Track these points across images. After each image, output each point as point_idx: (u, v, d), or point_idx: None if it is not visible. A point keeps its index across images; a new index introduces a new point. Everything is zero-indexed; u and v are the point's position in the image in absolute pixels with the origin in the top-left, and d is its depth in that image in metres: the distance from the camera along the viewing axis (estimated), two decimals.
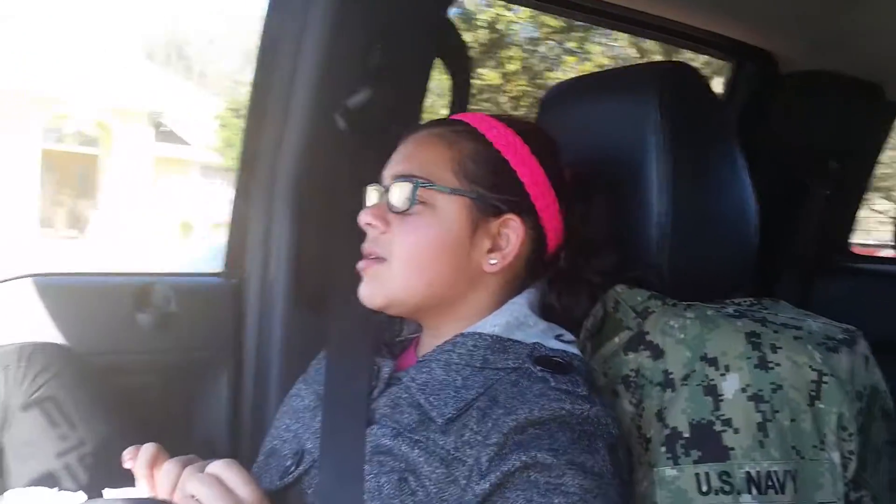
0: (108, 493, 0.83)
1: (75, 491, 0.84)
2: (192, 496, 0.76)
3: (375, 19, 1.25)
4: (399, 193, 0.88)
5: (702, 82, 1.06)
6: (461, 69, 1.47)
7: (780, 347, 0.83)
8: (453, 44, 1.44)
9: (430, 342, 0.93)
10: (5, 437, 1.05)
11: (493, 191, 0.89)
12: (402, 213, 0.88)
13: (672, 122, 0.97)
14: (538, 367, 0.82)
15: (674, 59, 1.27)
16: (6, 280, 1.22)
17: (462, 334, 0.89)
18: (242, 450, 1.31)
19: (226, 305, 1.35)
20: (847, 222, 2.08)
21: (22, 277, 1.23)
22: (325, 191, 1.31)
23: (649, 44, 5.93)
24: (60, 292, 1.25)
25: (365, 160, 1.08)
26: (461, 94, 1.46)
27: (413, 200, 0.87)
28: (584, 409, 0.78)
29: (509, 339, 0.87)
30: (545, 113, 1.19)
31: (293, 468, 0.88)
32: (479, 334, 0.88)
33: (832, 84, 1.81)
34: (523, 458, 0.74)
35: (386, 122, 1.26)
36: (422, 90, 1.39)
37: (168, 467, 0.81)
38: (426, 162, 0.90)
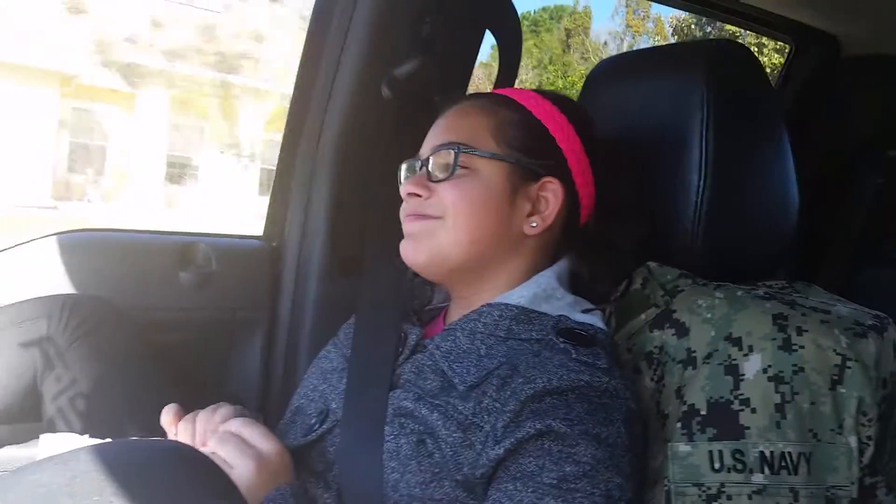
0: None
1: (103, 438, 0.87)
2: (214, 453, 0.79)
3: None
4: (440, 161, 0.90)
5: (752, 61, 1.03)
6: (511, 43, 1.45)
7: (806, 330, 0.82)
8: (505, 17, 1.43)
9: (458, 311, 0.94)
10: (44, 385, 1.10)
11: (532, 155, 0.90)
12: (445, 179, 0.89)
13: (718, 101, 0.96)
14: (561, 339, 0.82)
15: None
16: (59, 233, 1.26)
17: (489, 304, 0.89)
18: (271, 406, 1.35)
19: (264, 268, 1.38)
20: None
21: (72, 232, 1.28)
22: (366, 160, 1.32)
23: None
24: (108, 248, 1.29)
25: (407, 131, 1.08)
26: (509, 69, 1.45)
27: (455, 166, 0.89)
28: (603, 381, 0.78)
29: (535, 311, 0.87)
30: (591, 89, 1.18)
31: (317, 426, 0.90)
32: (506, 305, 0.88)
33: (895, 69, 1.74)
34: (538, 425, 0.75)
35: (431, 93, 1.26)
36: (469, 63, 1.39)
37: (183, 426, 0.86)
38: (467, 129, 0.92)
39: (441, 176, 0.89)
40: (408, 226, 0.93)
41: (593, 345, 0.83)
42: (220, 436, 0.82)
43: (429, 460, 0.79)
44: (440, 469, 0.78)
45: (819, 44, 1.82)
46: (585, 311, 0.89)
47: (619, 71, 1.19)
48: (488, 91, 1.02)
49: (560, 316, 0.87)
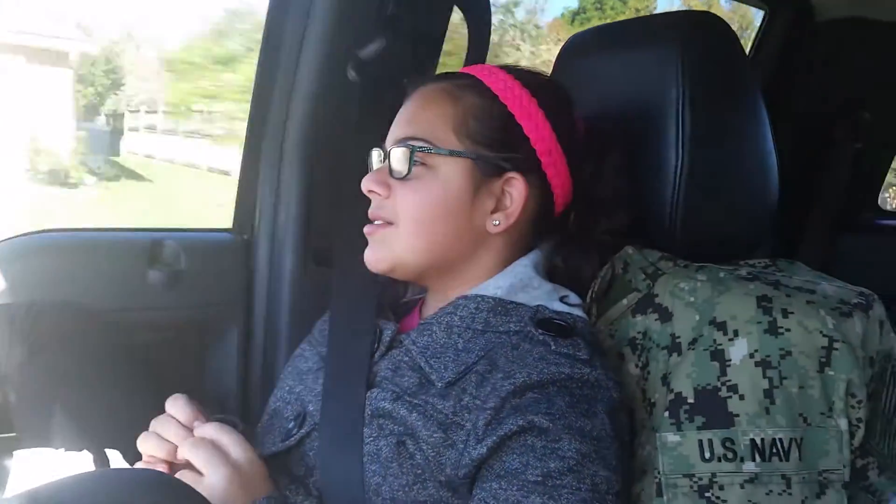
0: (111, 454, 0.83)
1: (79, 450, 0.85)
2: (187, 462, 0.77)
3: None
4: (398, 158, 0.87)
5: (727, 33, 1.01)
6: (480, 20, 1.41)
7: (791, 312, 0.80)
8: None
9: (434, 304, 0.92)
10: (11, 396, 1.06)
11: (496, 149, 0.86)
12: (403, 178, 0.86)
13: (693, 74, 0.93)
14: (539, 331, 0.80)
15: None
16: (18, 236, 1.22)
17: (464, 296, 0.87)
18: (252, 406, 1.32)
19: (236, 262, 1.35)
20: (876, 177, 2.00)
21: (33, 233, 1.23)
22: (335, 146, 1.29)
23: None
24: (71, 249, 1.24)
25: (376, 114, 1.05)
26: (479, 47, 1.41)
27: (411, 166, 0.86)
28: (584, 372, 0.76)
29: (512, 302, 0.85)
30: (563, 64, 1.15)
31: (295, 430, 0.88)
32: (482, 297, 0.86)
33: (871, 31, 1.73)
34: (520, 421, 0.73)
35: (399, 74, 1.22)
36: (438, 41, 1.35)
37: (150, 442, 0.82)
38: (427, 122, 0.88)
39: (399, 174, 0.86)
40: (368, 234, 0.90)
41: (573, 335, 0.81)
42: (192, 442, 0.79)
43: (410, 462, 0.77)
44: (422, 470, 0.76)
45: (793, 8, 1.79)
46: (563, 299, 0.87)
47: (591, 44, 1.16)
48: (456, 71, 0.98)
49: (538, 306, 0.84)
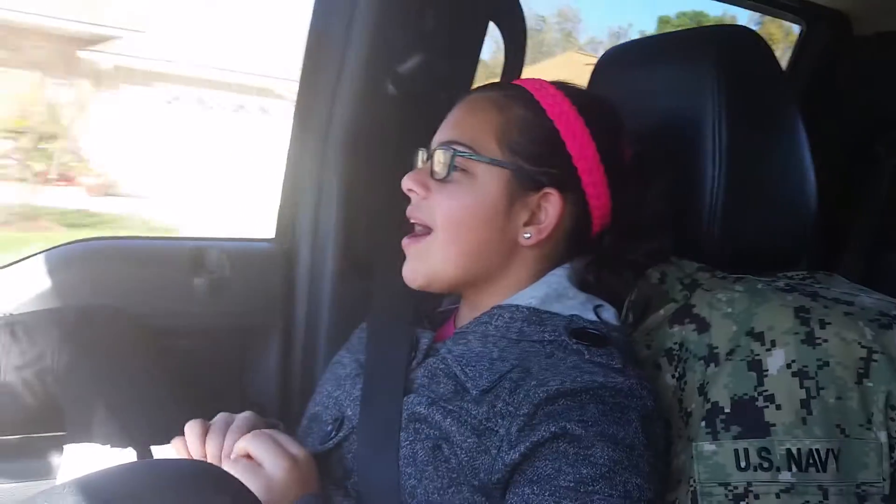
0: (156, 450, 0.86)
1: (124, 447, 0.87)
2: (245, 455, 0.79)
3: None
4: (440, 160, 0.88)
5: (763, 47, 1.01)
6: (515, 33, 1.43)
7: (829, 323, 0.80)
8: (508, 8, 1.41)
9: (468, 314, 0.93)
10: (61, 396, 1.09)
11: (536, 163, 0.87)
12: (442, 180, 0.88)
13: (730, 88, 0.94)
14: (574, 340, 0.81)
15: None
16: (69, 243, 1.26)
17: (499, 306, 0.88)
18: (291, 412, 1.33)
19: (277, 271, 1.37)
20: None
21: (83, 241, 1.27)
22: (374, 158, 1.31)
23: None
24: (120, 257, 1.28)
25: (415, 127, 1.07)
26: (515, 60, 1.43)
27: (451, 168, 0.87)
28: (617, 381, 0.77)
29: (546, 312, 0.86)
30: (598, 78, 1.16)
31: (333, 434, 0.89)
32: (517, 306, 0.87)
33: None
34: (553, 428, 0.74)
35: (437, 88, 1.24)
36: (474, 55, 1.37)
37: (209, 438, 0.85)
38: (471, 128, 0.89)
39: (438, 176, 0.88)
40: (405, 247, 0.92)
41: (607, 344, 0.81)
42: (252, 435, 0.82)
43: (445, 465, 0.78)
44: (457, 474, 0.78)
45: (830, 23, 1.79)
46: (598, 309, 0.88)
47: (627, 59, 1.17)
48: (508, 82, 0.98)
49: (572, 315, 0.85)
